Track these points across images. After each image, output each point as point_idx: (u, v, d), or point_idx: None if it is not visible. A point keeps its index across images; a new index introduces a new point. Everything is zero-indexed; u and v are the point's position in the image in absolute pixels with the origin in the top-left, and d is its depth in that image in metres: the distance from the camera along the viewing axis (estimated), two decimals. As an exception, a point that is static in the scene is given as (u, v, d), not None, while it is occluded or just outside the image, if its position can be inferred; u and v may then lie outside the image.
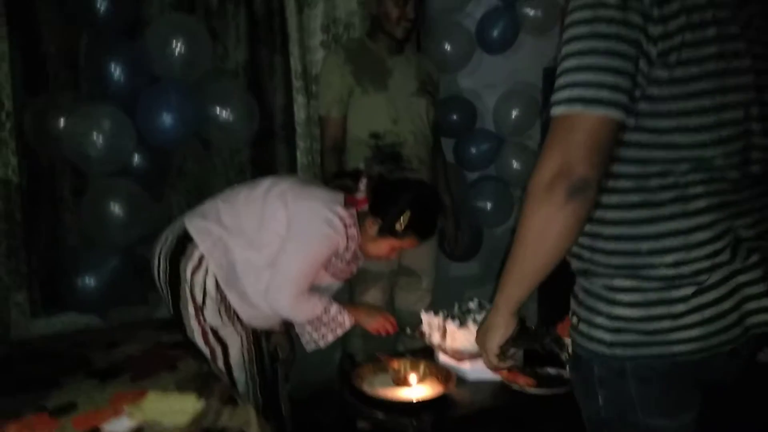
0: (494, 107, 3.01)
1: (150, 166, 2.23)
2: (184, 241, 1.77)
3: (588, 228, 1.04)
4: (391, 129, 2.13)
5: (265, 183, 1.83)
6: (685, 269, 1.01)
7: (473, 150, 2.93)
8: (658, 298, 1.02)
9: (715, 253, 1.01)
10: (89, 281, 2.12)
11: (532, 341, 1.91)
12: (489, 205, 2.88)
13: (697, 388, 1.08)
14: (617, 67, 0.93)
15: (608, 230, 1.04)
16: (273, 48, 2.59)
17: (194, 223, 1.78)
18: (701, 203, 1.00)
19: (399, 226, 1.74)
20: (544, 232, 0.99)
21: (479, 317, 1.80)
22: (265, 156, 2.63)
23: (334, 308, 1.78)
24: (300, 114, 2.64)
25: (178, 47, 2.14)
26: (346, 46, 2.22)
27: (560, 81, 0.97)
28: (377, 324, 1.83)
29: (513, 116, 2.96)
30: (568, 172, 0.94)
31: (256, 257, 1.75)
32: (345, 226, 1.74)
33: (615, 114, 0.93)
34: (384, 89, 2.14)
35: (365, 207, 1.78)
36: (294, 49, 2.60)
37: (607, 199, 1.02)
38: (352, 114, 2.15)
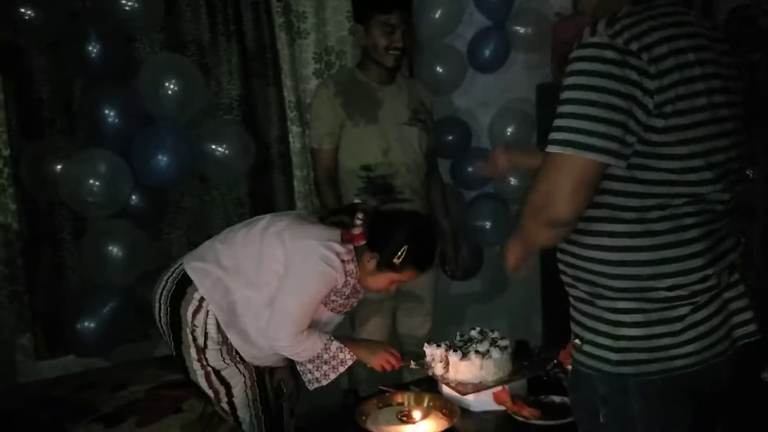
0: (489, 125, 3.02)
1: (148, 206, 2.24)
2: (184, 284, 1.78)
3: (594, 254, 1.16)
4: (381, 161, 2.12)
5: (262, 222, 1.83)
6: (681, 292, 1.13)
7: (470, 169, 2.93)
8: (659, 318, 1.14)
9: (707, 278, 1.13)
10: (90, 324, 2.13)
11: (536, 369, 1.91)
12: (488, 224, 2.88)
13: (691, 400, 1.18)
14: (609, 118, 1.04)
15: (614, 256, 1.14)
16: (266, 80, 2.61)
17: (193, 266, 1.79)
18: (695, 232, 1.13)
19: (397, 260, 1.75)
20: (533, 235, 1.19)
21: (481, 347, 1.80)
22: (263, 187, 2.64)
23: (335, 346, 1.78)
24: (295, 143, 2.66)
25: (170, 88, 2.16)
26: (336, 78, 2.21)
27: (558, 122, 1.09)
28: (380, 360, 1.82)
29: (508, 133, 2.97)
30: (551, 206, 1.10)
31: (256, 296, 1.76)
32: (342, 262, 1.75)
33: (603, 158, 1.06)
34: (374, 121, 2.13)
35: (362, 242, 1.79)
36: (287, 80, 2.62)
37: (613, 227, 1.13)
38: (343, 146, 2.15)
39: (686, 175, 1.10)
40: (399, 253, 1.73)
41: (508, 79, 2.99)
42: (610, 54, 1.04)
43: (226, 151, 2.33)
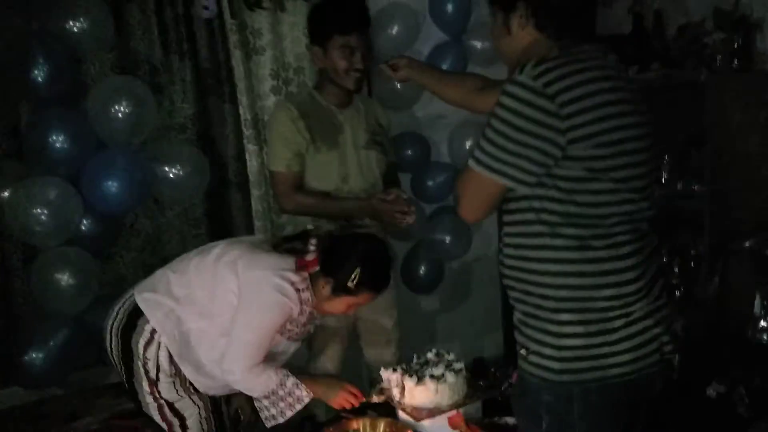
0: (448, 138, 3.04)
1: (99, 231, 2.20)
2: (135, 315, 1.75)
3: (538, 267, 1.29)
4: (340, 187, 2.09)
5: (216, 250, 1.82)
6: (616, 303, 1.26)
7: (430, 183, 2.95)
8: (597, 330, 1.26)
9: (639, 290, 1.27)
10: (39, 354, 2.09)
11: (491, 390, 1.94)
12: (448, 238, 2.90)
13: (625, 408, 1.32)
14: (516, 151, 1.22)
15: (556, 268, 1.27)
16: (221, 98, 2.58)
17: (144, 297, 1.77)
18: (627, 248, 1.27)
19: (351, 284, 1.75)
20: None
21: (437, 371, 1.82)
22: (220, 206, 2.61)
23: (291, 382, 1.77)
24: (252, 162, 2.63)
25: (120, 110, 2.12)
26: (296, 100, 2.13)
27: (479, 142, 1.27)
28: (339, 399, 1.82)
29: (467, 146, 2.98)
30: (460, 208, 1.36)
31: (210, 327, 1.74)
32: (297, 291, 1.74)
33: (505, 182, 1.26)
34: (335, 146, 2.09)
35: (316, 268, 1.78)
36: (242, 98, 2.59)
37: (554, 242, 1.26)
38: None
39: (611, 198, 1.24)
40: (353, 277, 1.73)
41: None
42: (527, 95, 1.20)
43: (181, 173, 2.30)
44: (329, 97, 2.11)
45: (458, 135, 3.01)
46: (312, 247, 1.79)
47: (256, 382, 1.74)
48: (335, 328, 2.15)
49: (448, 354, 1.92)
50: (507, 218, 1.34)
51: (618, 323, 1.26)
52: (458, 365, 1.85)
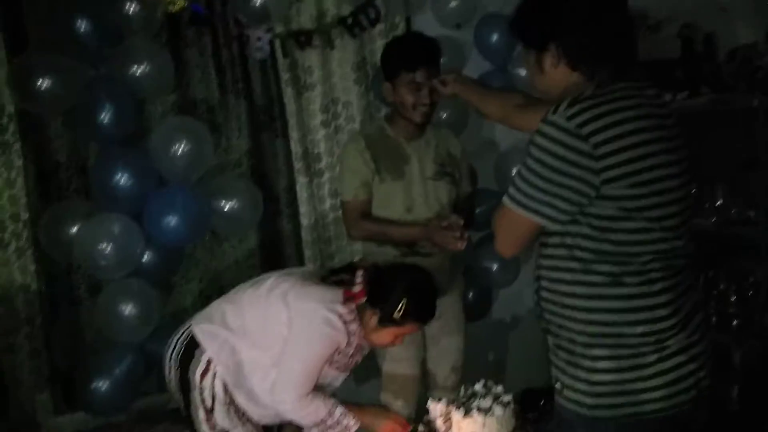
0: (494, 165, 3.05)
1: (160, 264, 2.31)
2: (192, 346, 1.83)
3: (570, 302, 1.28)
4: (404, 217, 2.12)
5: (268, 282, 1.88)
6: (649, 339, 1.25)
7: (477, 210, 2.96)
8: (630, 365, 1.25)
9: (673, 326, 1.26)
10: (104, 382, 2.19)
11: (540, 423, 1.91)
12: (495, 266, 2.89)
13: None
14: (550, 190, 1.23)
15: (588, 304, 1.27)
16: (274, 133, 2.68)
17: (201, 328, 1.85)
18: (660, 285, 1.26)
19: (397, 314, 1.78)
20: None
21: (484, 403, 1.82)
22: (272, 237, 2.70)
23: (339, 411, 1.81)
24: (302, 193, 2.71)
25: (180, 149, 2.23)
26: (365, 133, 2.20)
27: (514, 180, 1.29)
28: (385, 428, 1.85)
29: (514, 173, 2.98)
30: (496, 243, 1.38)
31: (262, 357, 1.80)
32: (345, 323, 1.79)
33: (538, 220, 1.26)
34: (401, 177, 2.12)
35: (363, 299, 1.83)
36: (293, 133, 2.69)
37: (587, 278, 1.26)
38: None
39: (645, 237, 1.24)
40: (399, 308, 1.77)
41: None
42: (562, 136, 1.20)
43: (236, 206, 2.39)
44: (398, 129, 2.17)
45: (504, 162, 3.01)
46: (359, 279, 1.84)
47: (306, 411, 1.78)
48: (404, 378, 2.17)
49: (497, 386, 1.92)
50: (542, 251, 1.35)
51: (651, 358, 1.25)
52: (506, 398, 1.84)
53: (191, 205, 2.25)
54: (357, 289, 1.82)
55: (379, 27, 2.81)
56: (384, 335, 1.84)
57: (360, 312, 1.84)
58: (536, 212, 1.24)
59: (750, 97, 2.22)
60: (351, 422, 1.81)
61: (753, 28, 2.36)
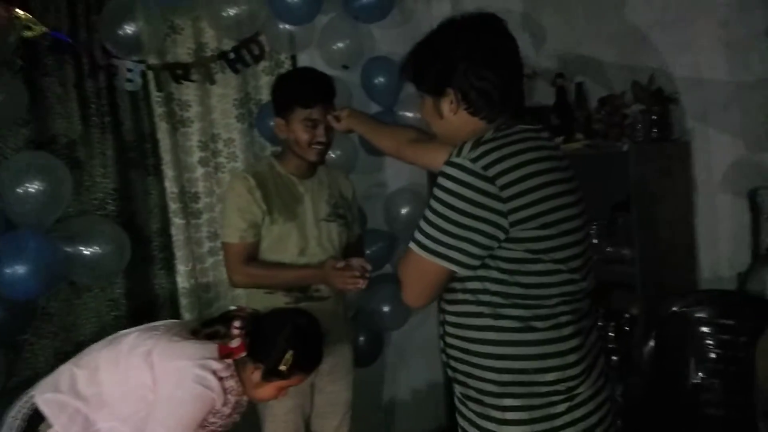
0: (384, 206, 3.02)
1: (8, 319, 2.01)
2: (35, 421, 1.58)
3: (481, 348, 1.24)
4: (297, 260, 2.00)
5: (127, 341, 1.68)
6: (560, 387, 1.22)
7: (367, 251, 2.90)
8: (542, 415, 1.22)
9: (582, 373, 1.24)
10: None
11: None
12: (387, 308, 2.83)
13: None
14: (459, 234, 1.19)
15: (500, 350, 1.22)
16: (146, 171, 2.47)
17: (45, 398, 1.60)
18: (570, 329, 1.25)
19: (283, 367, 1.65)
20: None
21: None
22: (142, 285, 2.45)
23: None
24: (179, 236, 2.52)
25: (32, 188, 1.98)
26: (254, 170, 2.04)
27: (421, 224, 1.24)
28: None
29: (403, 213, 2.98)
30: (403, 293, 1.30)
31: (123, 426, 1.59)
32: (220, 379, 1.62)
33: (448, 266, 1.22)
34: (294, 218, 2.00)
35: (243, 353, 1.67)
36: (168, 171, 2.50)
37: (498, 323, 1.22)
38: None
39: (554, 279, 1.23)
40: (284, 360, 1.64)
41: (400, 162, 3.01)
42: (468, 178, 1.18)
43: (98, 252, 2.15)
44: (290, 167, 2.04)
45: (394, 204, 3.00)
46: (236, 331, 1.68)
47: None
48: (291, 406, 2.01)
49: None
50: (447, 296, 1.30)
51: (561, 408, 1.22)
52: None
53: (44, 251, 1.98)
54: (235, 343, 1.66)
55: (264, 64, 2.73)
56: (268, 390, 1.70)
57: (239, 367, 1.68)
58: (446, 258, 1.20)
59: (621, 142, 2.34)
60: None
61: (620, 79, 2.52)
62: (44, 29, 2.21)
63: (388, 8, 2.80)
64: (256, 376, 1.67)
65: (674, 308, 2.13)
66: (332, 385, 2.13)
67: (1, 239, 1.98)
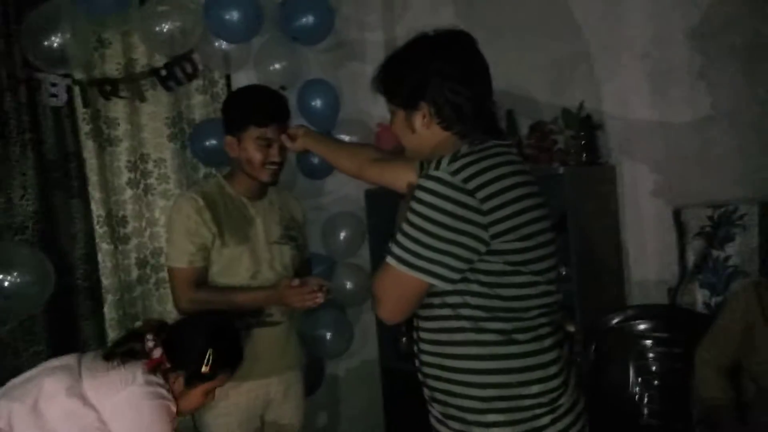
0: (322, 230, 2.97)
1: None
2: None
3: (463, 364, 1.22)
4: (249, 283, 1.91)
5: (41, 388, 1.49)
6: (543, 399, 1.21)
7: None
8: (526, 429, 1.20)
9: (562, 384, 1.24)
10: None
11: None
12: (328, 335, 2.76)
13: None
14: (439, 247, 1.18)
15: (483, 365, 1.21)
16: (69, 193, 2.29)
17: None
18: (550, 341, 1.25)
19: (206, 368, 1.60)
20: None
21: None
22: (65, 317, 2.25)
23: None
24: (106, 263, 2.35)
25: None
26: (202, 191, 1.93)
27: (398, 238, 1.21)
28: None
29: (341, 237, 2.94)
30: (379, 308, 1.27)
31: None
32: (165, 387, 1.56)
33: (428, 280, 1.21)
34: (245, 241, 1.91)
35: (167, 364, 1.59)
36: (95, 192, 2.34)
37: (480, 337, 1.20)
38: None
39: (533, 290, 1.23)
40: (206, 360, 1.59)
41: (338, 184, 3.00)
42: (448, 191, 1.17)
43: (18, 280, 1.96)
44: (240, 187, 1.95)
45: (331, 227, 2.96)
46: (150, 344, 1.60)
47: None
48: None
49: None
50: (422, 312, 1.27)
51: (545, 420, 1.22)
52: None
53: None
54: (157, 354, 1.58)
55: (197, 83, 2.63)
56: (193, 397, 1.64)
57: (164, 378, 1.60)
58: (426, 272, 1.18)
59: (555, 166, 2.44)
60: None
61: (548, 108, 2.64)
62: (-44, 37, 2.02)
63: (326, 31, 2.80)
64: (179, 384, 1.61)
65: (613, 323, 2.21)
66: (283, 411, 2.03)
67: None
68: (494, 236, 1.18)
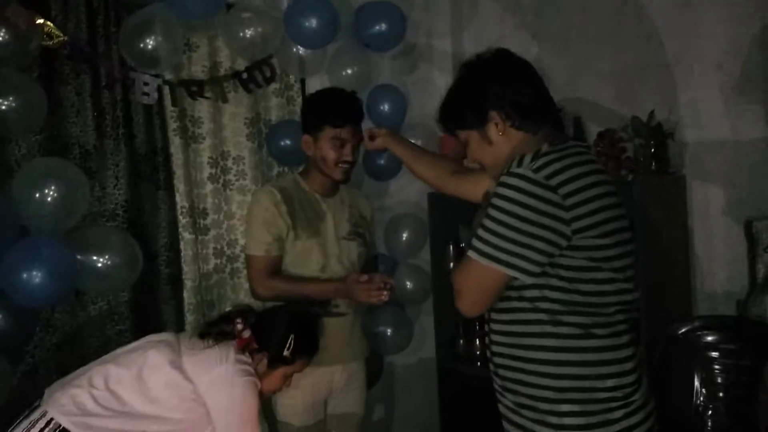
0: (385, 230, 3.05)
1: (14, 328, 1.94)
2: None
3: (539, 355, 1.25)
4: (318, 275, 2.01)
5: (146, 360, 1.64)
6: (618, 393, 1.24)
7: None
8: (599, 421, 1.23)
9: (636, 381, 1.27)
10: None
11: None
12: (388, 331, 2.83)
13: None
14: (522, 241, 1.21)
15: (559, 356, 1.24)
16: (156, 185, 2.46)
17: (75, 421, 1.54)
18: (626, 338, 1.28)
19: (287, 352, 1.75)
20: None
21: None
22: (148, 299, 2.41)
23: None
24: (187, 251, 2.50)
25: (49, 195, 1.94)
26: (279, 185, 2.06)
27: (480, 233, 1.25)
28: None
29: (404, 238, 3.01)
30: (460, 301, 1.31)
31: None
32: (252, 366, 1.71)
33: (511, 272, 1.24)
34: (316, 234, 2.02)
35: (255, 345, 1.75)
36: (180, 185, 2.50)
37: (557, 330, 1.23)
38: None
39: (611, 287, 1.26)
40: (288, 344, 1.74)
41: (402, 186, 3.08)
42: (531, 187, 1.21)
43: (110, 262, 2.11)
44: (314, 184, 2.07)
45: (394, 227, 3.03)
46: (239, 326, 1.75)
47: None
48: (308, 425, 2.01)
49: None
50: (498, 305, 1.32)
51: (618, 414, 1.24)
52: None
53: (59, 259, 1.94)
54: (246, 334, 1.74)
55: (274, 86, 2.77)
56: (274, 379, 1.78)
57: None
58: (509, 265, 1.22)
59: (625, 174, 2.45)
60: None
61: (616, 116, 2.64)
62: (65, 38, 2.21)
63: (398, 38, 2.89)
64: (263, 365, 1.75)
65: (679, 332, 2.19)
66: (346, 400, 2.13)
67: (16, 245, 1.93)
68: (576, 231, 1.21)
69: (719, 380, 2.13)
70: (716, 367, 2.12)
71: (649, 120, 2.50)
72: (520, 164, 1.25)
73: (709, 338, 2.14)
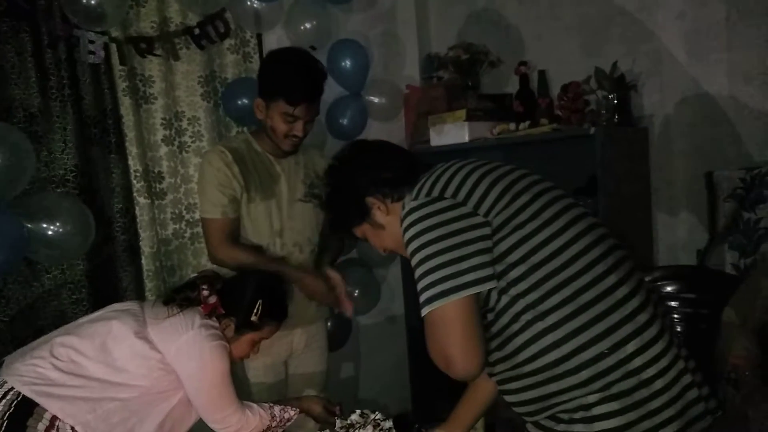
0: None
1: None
2: (18, 416, 1.47)
3: (549, 356, 1.13)
4: (274, 241, 1.96)
5: (111, 329, 1.60)
6: (651, 370, 1.12)
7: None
8: (633, 401, 1.11)
9: (667, 347, 1.15)
10: None
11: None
12: (356, 292, 2.82)
13: None
14: (470, 252, 1.11)
15: (569, 346, 1.12)
16: (107, 148, 2.36)
17: (38, 390, 1.50)
18: (623, 290, 1.15)
19: (255, 317, 1.73)
20: None
21: (363, 432, 1.71)
22: (104, 267, 2.34)
23: (277, 409, 1.76)
24: (143, 216, 2.42)
25: (-8, 160, 1.85)
26: (230, 146, 1.97)
27: (424, 282, 1.11)
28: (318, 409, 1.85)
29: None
30: (454, 367, 1.11)
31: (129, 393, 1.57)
32: (220, 330, 1.70)
33: (475, 289, 1.11)
34: (270, 197, 1.95)
35: (222, 311, 1.72)
36: (132, 148, 2.40)
37: (548, 320, 1.13)
38: None
39: (559, 242, 1.16)
40: (255, 310, 1.72)
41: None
42: (438, 204, 1.16)
43: (61, 230, 2.04)
44: (267, 146, 2.00)
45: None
46: (205, 292, 1.72)
47: (253, 426, 1.69)
48: (269, 384, 2.01)
49: (374, 413, 1.82)
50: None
51: (655, 387, 1.13)
52: (387, 424, 1.76)
53: (6, 227, 1.86)
54: (212, 300, 1.71)
55: (229, 42, 2.66)
56: (242, 345, 1.76)
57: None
58: (465, 286, 1.10)
59: (587, 127, 2.43)
60: (291, 412, 1.78)
61: (580, 67, 2.60)
62: (-1, -7, 2.08)
63: (357, -10, 2.79)
64: (230, 330, 1.73)
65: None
66: (307, 360, 2.12)
67: (-44, 214, 1.84)
68: (486, 213, 1.15)
69: (679, 329, 2.16)
70: (676, 316, 2.15)
71: (612, 71, 2.47)
72: (414, 199, 1.21)
73: (669, 288, 2.17)
